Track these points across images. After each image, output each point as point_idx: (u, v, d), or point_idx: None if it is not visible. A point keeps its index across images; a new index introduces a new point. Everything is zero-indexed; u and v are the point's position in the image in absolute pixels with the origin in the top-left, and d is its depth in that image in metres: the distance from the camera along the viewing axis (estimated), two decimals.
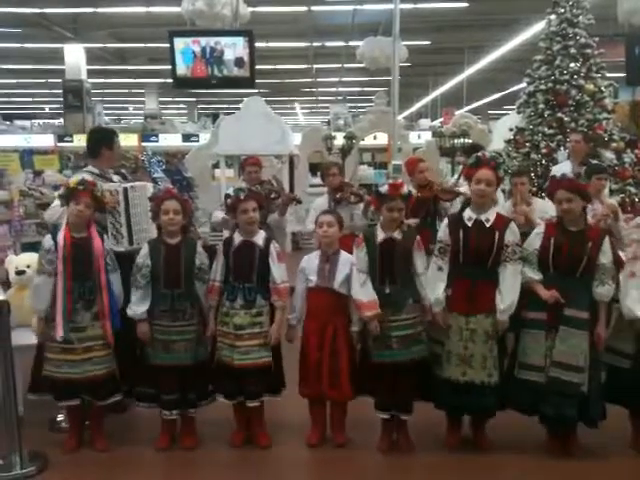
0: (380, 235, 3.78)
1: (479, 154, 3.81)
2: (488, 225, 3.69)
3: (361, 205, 5.35)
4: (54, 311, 3.74)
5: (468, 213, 3.75)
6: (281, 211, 5.28)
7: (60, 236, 3.76)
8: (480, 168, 3.71)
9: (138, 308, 3.81)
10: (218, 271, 3.86)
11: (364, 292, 3.74)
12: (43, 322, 3.81)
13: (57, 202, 4.26)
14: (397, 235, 3.77)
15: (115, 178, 4.57)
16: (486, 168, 3.71)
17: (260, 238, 3.87)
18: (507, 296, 3.65)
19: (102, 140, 4.52)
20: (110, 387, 3.86)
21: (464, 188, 4.95)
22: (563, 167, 5.69)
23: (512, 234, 3.69)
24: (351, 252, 3.91)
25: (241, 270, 3.81)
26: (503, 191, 6.16)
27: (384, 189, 3.77)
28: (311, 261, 3.93)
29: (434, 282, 3.73)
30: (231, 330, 3.78)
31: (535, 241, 3.73)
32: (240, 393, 3.84)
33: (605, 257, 3.62)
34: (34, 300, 3.85)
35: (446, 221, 3.83)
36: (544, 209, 4.72)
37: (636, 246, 3.74)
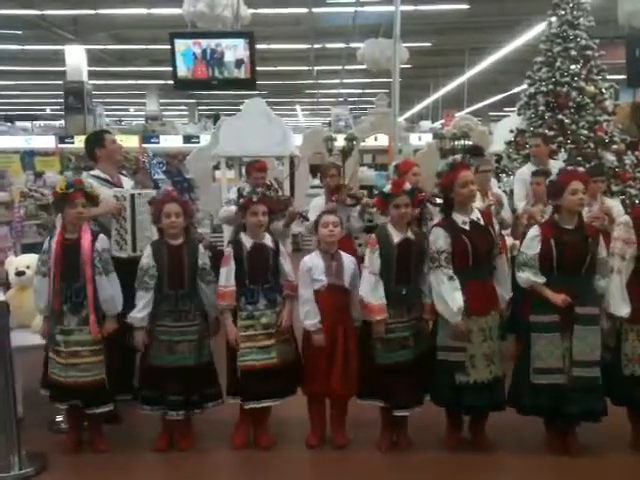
0: (396, 236, 3.73)
1: (450, 159, 3.82)
2: (482, 223, 3.73)
3: (358, 207, 5.33)
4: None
5: (460, 217, 3.72)
6: (286, 223, 5.23)
7: (54, 238, 3.77)
8: (460, 171, 3.70)
9: (139, 314, 3.75)
10: (232, 275, 3.80)
11: (376, 295, 3.69)
12: (47, 321, 3.82)
13: None
14: (410, 235, 3.77)
15: (126, 183, 4.55)
16: (466, 169, 3.73)
17: (268, 240, 3.91)
18: (508, 286, 3.81)
19: (93, 143, 4.55)
20: (99, 396, 3.76)
21: None
22: (526, 170, 5.64)
23: (495, 226, 3.85)
24: (348, 253, 3.90)
25: (257, 272, 3.82)
26: (505, 192, 6.15)
27: (387, 188, 3.79)
28: (315, 261, 3.89)
29: (451, 293, 3.61)
30: (260, 331, 3.78)
31: (533, 244, 3.69)
32: (268, 394, 3.81)
33: (604, 251, 3.70)
34: (35, 300, 3.86)
35: (442, 231, 3.69)
36: None
37: (613, 243, 3.75)
